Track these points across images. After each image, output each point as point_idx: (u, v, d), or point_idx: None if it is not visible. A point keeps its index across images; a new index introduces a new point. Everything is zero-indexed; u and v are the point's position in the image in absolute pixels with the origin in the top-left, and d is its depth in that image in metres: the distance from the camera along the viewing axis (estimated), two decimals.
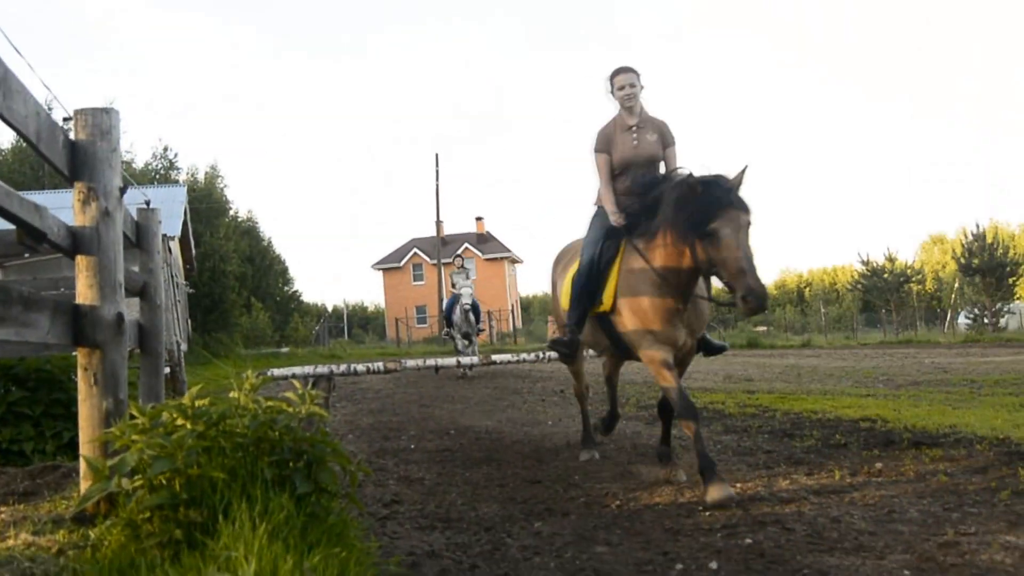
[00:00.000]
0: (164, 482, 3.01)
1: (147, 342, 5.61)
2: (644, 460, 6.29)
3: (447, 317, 19.35)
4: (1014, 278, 38.73)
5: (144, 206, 6.34)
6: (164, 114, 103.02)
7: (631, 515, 4.57)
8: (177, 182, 44.11)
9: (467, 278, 19.21)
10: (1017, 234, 55.03)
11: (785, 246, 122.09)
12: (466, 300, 18.37)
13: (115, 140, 3.90)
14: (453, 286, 19.47)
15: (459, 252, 21.25)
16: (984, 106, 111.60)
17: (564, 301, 6.28)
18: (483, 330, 19.89)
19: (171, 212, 29.89)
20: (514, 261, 66.97)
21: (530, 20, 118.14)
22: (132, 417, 3.26)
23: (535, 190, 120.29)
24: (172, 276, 27.81)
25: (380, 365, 8.51)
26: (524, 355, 9.61)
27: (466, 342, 18.41)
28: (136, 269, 5.77)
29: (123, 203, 4.08)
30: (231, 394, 3.50)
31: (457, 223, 67.41)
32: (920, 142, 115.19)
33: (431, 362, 9.02)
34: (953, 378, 12.77)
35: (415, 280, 64.77)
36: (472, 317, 18.44)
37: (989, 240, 39.14)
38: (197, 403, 3.25)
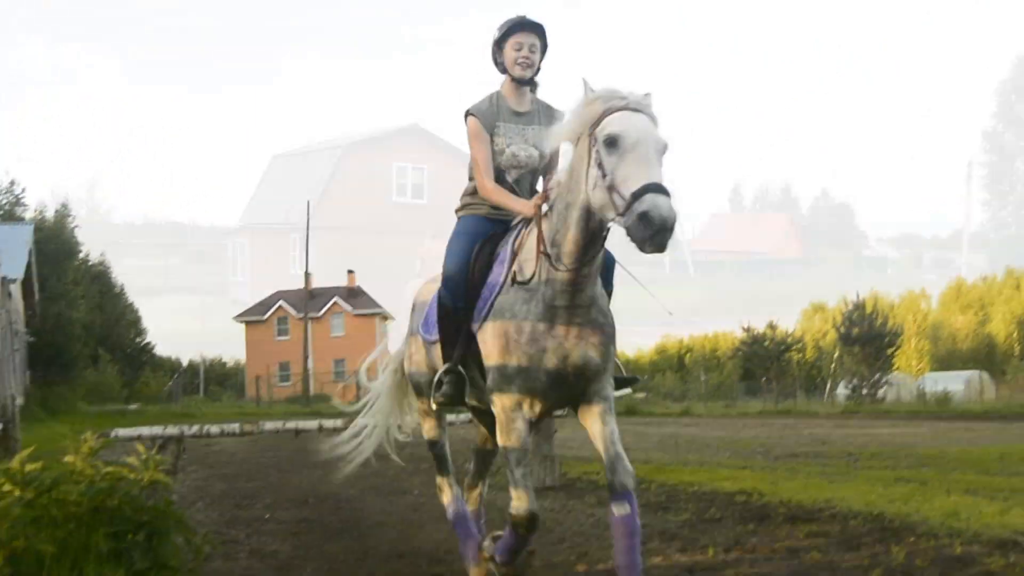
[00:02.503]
0: None
1: None
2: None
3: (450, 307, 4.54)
4: (892, 348, 40.61)
5: None
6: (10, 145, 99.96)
7: None
8: (23, 219, 42.46)
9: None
10: (896, 304, 57.49)
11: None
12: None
13: None
14: (507, 150, 4.53)
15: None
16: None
17: None
18: None
19: (14, 252, 28.91)
20: (385, 317, 66.62)
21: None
22: None
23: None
24: (11, 323, 26.77)
25: (236, 427, 8.34)
26: None
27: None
28: None
29: None
30: (67, 458, 3.38)
31: (327, 276, 66.45)
32: None
33: (291, 425, 8.89)
34: (831, 450, 13.20)
35: (279, 335, 63.67)
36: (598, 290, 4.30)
37: (868, 310, 41.00)
38: (28, 467, 3.14)
